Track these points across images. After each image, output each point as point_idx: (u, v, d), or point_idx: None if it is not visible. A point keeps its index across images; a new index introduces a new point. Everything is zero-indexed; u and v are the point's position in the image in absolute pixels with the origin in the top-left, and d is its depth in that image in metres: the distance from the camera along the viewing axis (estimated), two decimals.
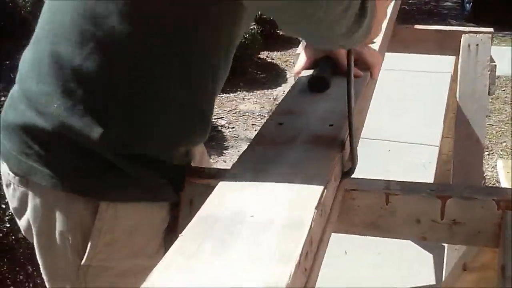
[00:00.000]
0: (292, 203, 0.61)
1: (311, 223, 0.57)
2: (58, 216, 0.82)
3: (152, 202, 0.84)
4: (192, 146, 0.91)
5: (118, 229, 0.82)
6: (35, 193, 0.83)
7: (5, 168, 0.86)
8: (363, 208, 0.84)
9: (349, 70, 0.78)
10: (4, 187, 0.90)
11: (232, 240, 0.55)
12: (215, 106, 1.09)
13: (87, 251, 0.82)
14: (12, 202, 0.90)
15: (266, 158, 0.73)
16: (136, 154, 0.80)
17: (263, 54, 5.53)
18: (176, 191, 0.86)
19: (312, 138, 0.79)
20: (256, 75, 5.00)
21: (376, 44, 1.31)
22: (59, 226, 0.83)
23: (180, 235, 0.57)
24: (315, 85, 1.00)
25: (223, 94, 4.23)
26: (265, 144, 0.78)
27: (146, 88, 0.79)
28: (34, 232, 0.87)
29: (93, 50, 0.76)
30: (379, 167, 2.82)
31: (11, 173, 0.85)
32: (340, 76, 1.06)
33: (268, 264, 0.51)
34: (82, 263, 0.83)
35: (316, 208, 0.60)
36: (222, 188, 0.66)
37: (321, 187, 0.64)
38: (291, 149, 0.76)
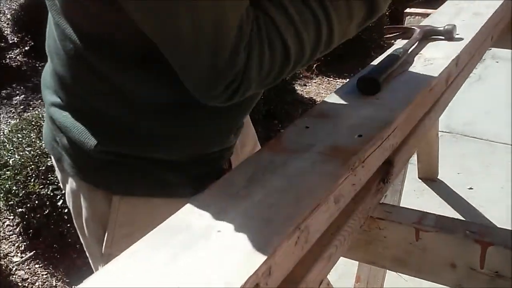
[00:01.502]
0: (267, 224, 0.55)
1: (274, 251, 0.51)
2: (83, 203, 0.86)
3: (168, 198, 0.83)
4: (215, 147, 0.87)
5: (136, 222, 0.83)
6: (66, 179, 0.88)
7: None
8: (391, 240, 0.74)
9: None
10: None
11: (185, 254, 0.51)
12: None
13: (105, 240, 0.85)
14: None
15: (268, 167, 0.67)
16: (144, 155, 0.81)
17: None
18: (196, 189, 0.84)
19: (331, 149, 0.70)
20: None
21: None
22: (84, 212, 0.86)
23: (141, 239, 0.55)
24: (363, 86, 0.90)
25: (338, 79, 4.05)
26: (276, 150, 0.71)
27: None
28: (72, 214, 0.92)
29: None
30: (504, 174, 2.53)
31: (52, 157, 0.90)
32: (400, 79, 0.96)
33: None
34: (102, 251, 0.86)
35: (289, 234, 0.53)
36: (207, 195, 0.63)
37: (305, 211, 0.57)
38: (299, 158, 0.68)
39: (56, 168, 0.93)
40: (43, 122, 2.34)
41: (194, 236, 0.54)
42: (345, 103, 0.87)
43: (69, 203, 0.91)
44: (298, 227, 0.55)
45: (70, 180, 0.87)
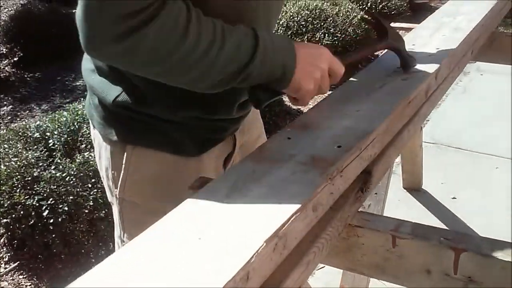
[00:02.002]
0: (246, 230, 0.57)
1: (252, 257, 0.53)
2: (104, 154, 1.00)
3: (174, 155, 0.94)
4: (211, 113, 0.95)
5: (144, 171, 0.96)
6: (95, 134, 1.02)
7: None
8: (368, 247, 0.76)
9: None
10: None
11: (164, 259, 0.53)
12: None
13: (119, 183, 0.98)
14: None
15: (250, 176, 0.68)
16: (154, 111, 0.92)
17: None
18: (199, 150, 0.96)
19: (311, 159, 0.72)
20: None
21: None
22: (105, 162, 1.01)
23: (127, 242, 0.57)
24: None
25: None
26: (259, 160, 0.73)
27: None
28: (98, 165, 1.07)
29: None
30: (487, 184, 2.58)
31: None
32: (381, 91, 0.98)
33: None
34: (116, 193, 1.00)
35: (267, 241, 0.55)
36: (191, 202, 0.64)
37: (284, 218, 0.58)
38: (281, 168, 0.70)
39: (91, 128, 1.06)
40: (30, 133, 2.35)
41: (175, 241, 0.56)
42: (327, 114, 0.89)
43: (97, 156, 1.05)
44: (277, 234, 0.57)
45: (97, 134, 1.00)
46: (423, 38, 1.36)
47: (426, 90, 1.08)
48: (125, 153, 0.95)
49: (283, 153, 0.75)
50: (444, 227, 2.29)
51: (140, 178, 0.97)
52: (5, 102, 3.61)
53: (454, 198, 2.54)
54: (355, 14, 4.42)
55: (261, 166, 0.72)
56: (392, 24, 2.05)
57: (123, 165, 0.96)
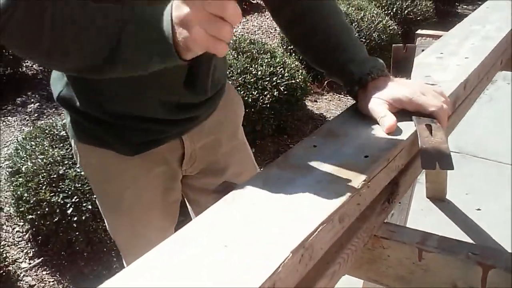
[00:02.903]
0: (272, 240, 0.57)
1: (278, 267, 0.53)
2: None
3: (105, 149, 1.03)
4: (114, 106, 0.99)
5: (91, 165, 1.10)
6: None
7: None
8: (394, 259, 0.76)
9: None
10: None
11: (190, 268, 0.53)
12: None
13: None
14: None
15: (275, 183, 0.68)
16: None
17: None
18: (133, 151, 1.03)
19: (337, 168, 0.72)
20: None
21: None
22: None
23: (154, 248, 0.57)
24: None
25: (349, 96, 4.04)
26: (284, 167, 0.73)
27: None
28: None
29: None
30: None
31: None
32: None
33: None
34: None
35: (293, 251, 0.55)
36: (215, 209, 0.64)
37: (310, 229, 0.58)
38: (306, 177, 0.70)
39: None
40: (57, 131, 2.39)
41: (200, 248, 0.56)
42: (353, 122, 0.89)
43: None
44: (303, 245, 0.56)
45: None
46: (451, 46, 1.34)
47: (454, 101, 1.07)
48: (74, 146, 1.09)
49: (308, 161, 0.75)
50: (468, 238, 2.25)
51: (89, 172, 1.13)
52: (32, 100, 3.68)
53: (478, 209, 2.50)
54: (380, 19, 4.39)
55: (287, 173, 0.71)
56: (419, 31, 2.02)
57: (77, 159, 1.11)
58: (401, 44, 0.96)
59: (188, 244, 0.57)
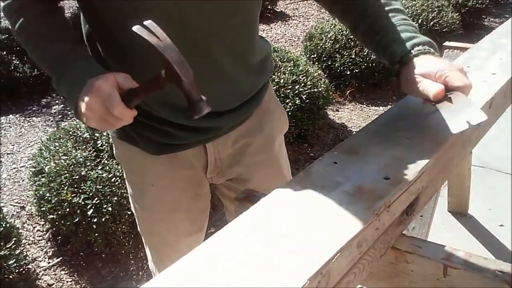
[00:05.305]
0: (290, 267, 0.56)
1: None
2: None
3: (132, 145, 1.08)
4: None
5: (120, 156, 1.16)
6: None
7: None
8: (417, 275, 0.74)
9: None
10: None
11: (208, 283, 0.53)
12: None
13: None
14: None
15: (294, 201, 0.68)
16: None
17: None
18: (153, 150, 1.06)
19: (357, 189, 0.71)
20: None
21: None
22: None
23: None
24: None
25: (371, 107, 4.05)
26: (304, 184, 0.72)
27: None
28: None
29: None
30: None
31: None
32: (432, 118, 0.94)
33: None
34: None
35: (310, 279, 0.54)
36: (234, 227, 0.64)
37: (328, 256, 0.57)
38: (325, 196, 0.69)
39: None
40: (80, 133, 2.42)
41: (219, 265, 0.56)
42: (375, 140, 0.87)
43: None
44: (320, 271, 0.56)
45: None
46: (478, 60, 1.32)
47: None
48: (111, 137, 1.17)
49: (328, 179, 0.74)
50: (490, 254, 2.20)
51: (122, 163, 1.18)
52: (56, 101, 3.74)
53: (501, 225, 2.45)
54: None
55: (306, 192, 0.71)
56: (446, 43, 1.99)
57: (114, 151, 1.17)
58: None
59: (203, 263, 0.57)
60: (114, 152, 1.18)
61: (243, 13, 0.94)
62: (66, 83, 0.87)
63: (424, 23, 5.12)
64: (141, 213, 1.18)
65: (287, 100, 2.91)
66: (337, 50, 3.93)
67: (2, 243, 1.93)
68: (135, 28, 0.71)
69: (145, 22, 0.71)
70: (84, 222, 2.10)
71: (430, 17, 5.18)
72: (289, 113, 2.89)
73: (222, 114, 1.04)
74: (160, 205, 1.14)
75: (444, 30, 5.14)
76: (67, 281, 2.19)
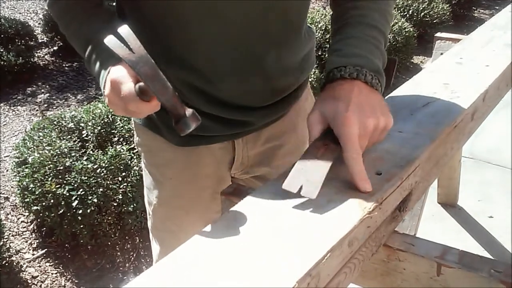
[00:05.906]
0: (278, 269, 0.53)
1: None
2: None
3: (156, 134, 1.04)
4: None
5: (140, 145, 1.11)
6: None
7: None
8: (410, 273, 0.71)
9: None
10: None
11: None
12: None
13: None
14: None
15: (283, 198, 0.65)
16: None
17: (417, 59, 5.05)
18: (176, 141, 1.02)
19: (349, 185, 0.67)
20: (404, 81, 4.60)
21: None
22: None
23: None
24: None
25: None
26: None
27: None
28: None
29: None
30: None
31: None
32: (425, 111, 0.92)
33: None
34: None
35: (299, 281, 0.51)
36: (219, 227, 0.61)
37: (318, 256, 0.54)
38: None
39: None
40: (65, 123, 2.37)
41: (205, 268, 0.53)
42: None
43: None
44: (309, 273, 0.53)
45: None
46: (471, 51, 1.29)
47: (473, 113, 1.02)
48: (132, 122, 1.15)
49: None
50: (479, 246, 2.20)
51: (143, 150, 1.12)
52: (42, 90, 3.67)
53: (491, 217, 2.45)
54: (396, 21, 4.32)
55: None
56: (438, 34, 1.97)
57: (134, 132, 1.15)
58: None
59: (189, 264, 0.54)
60: (134, 139, 1.14)
61: (292, 12, 0.91)
62: (93, 70, 0.88)
63: (415, 14, 5.11)
64: (155, 207, 1.12)
65: None
66: (327, 40, 3.89)
67: None
68: (106, 40, 0.66)
69: (119, 30, 0.66)
70: (69, 214, 2.06)
71: (421, 8, 5.17)
72: None
73: (256, 109, 0.98)
74: (176, 200, 1.09)
75: (434, 21, 5.13)
76: (52, 273, 2.16)
